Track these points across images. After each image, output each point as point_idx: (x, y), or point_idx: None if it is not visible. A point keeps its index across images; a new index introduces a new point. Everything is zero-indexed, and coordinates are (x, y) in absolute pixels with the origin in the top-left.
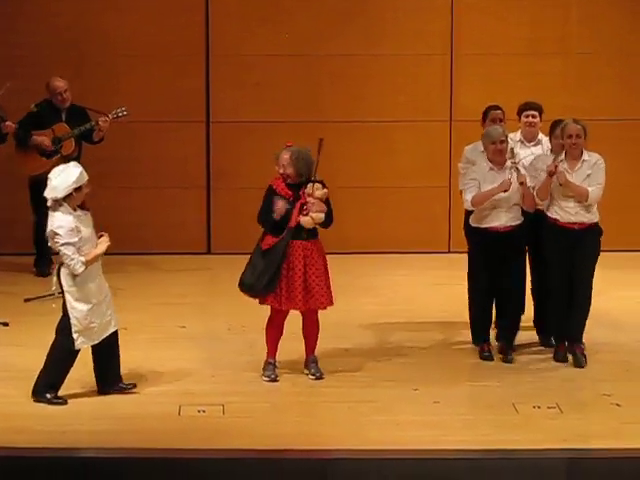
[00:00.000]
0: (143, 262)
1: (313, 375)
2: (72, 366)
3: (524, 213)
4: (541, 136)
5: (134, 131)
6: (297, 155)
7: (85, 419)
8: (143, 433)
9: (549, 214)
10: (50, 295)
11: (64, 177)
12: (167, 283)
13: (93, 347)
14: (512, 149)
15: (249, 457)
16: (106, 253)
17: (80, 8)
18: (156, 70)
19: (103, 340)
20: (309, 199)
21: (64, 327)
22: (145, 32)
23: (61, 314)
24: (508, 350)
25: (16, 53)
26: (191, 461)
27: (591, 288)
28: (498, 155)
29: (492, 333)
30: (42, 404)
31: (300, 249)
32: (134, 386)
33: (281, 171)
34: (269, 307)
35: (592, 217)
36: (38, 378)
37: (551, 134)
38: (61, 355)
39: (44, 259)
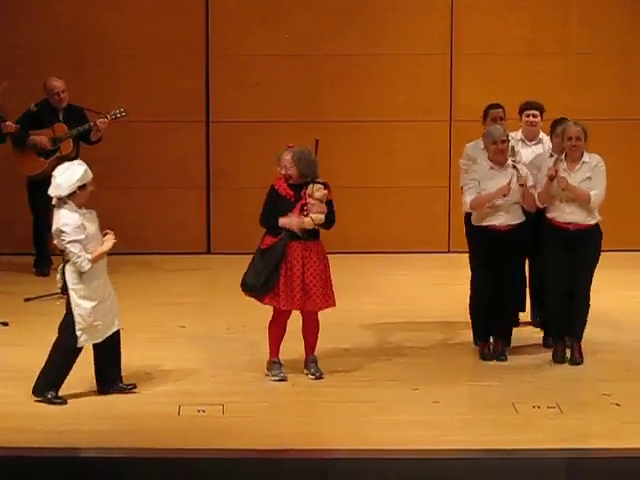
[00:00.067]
0: (143, 262)
1: (313, 375)
2: (73, 365)
3: (525, 212)
4: (542, 135)
5: (134, 131)
6: (299, 156)
7: (85, 419)
8: (143, 433)
9: (547, 213)
10: (50, 295)
11: (68, 175)
12: (167, 283)
13: (95, 346)
14: (513, 147)
15: (249, 457)
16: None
17: (80, 8)
18: (156, 70)
19: (106, 339)
20: (309, 200)
21: (68, 325)
22: (145, 32)
23: (65, 312)
24: (504, 349)
25: (16, 53)
26: (191, 461)
27: (589, 290)
28: (499, 155)
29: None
30: (42, 404)
31: (299, 249)
32: (134, 387)
33: (283, 172)
34: (271, 307)
35: (589, 219)
36: (39, 376)
37: (552, 133)
38: (64, 352)
39: (44, 259)
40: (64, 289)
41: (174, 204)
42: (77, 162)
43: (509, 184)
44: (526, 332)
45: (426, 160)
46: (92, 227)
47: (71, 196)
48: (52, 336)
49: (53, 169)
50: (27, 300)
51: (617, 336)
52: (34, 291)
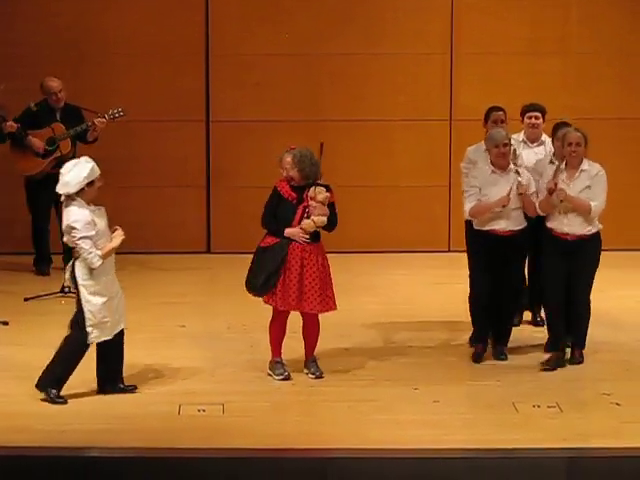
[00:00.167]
0: (143, 261)
1: (313, 374)
2: (79, 363)
3: (527, 217)
4: (544, 137)
5: (134, 130)
6: (300, 157)
7: (85, 418)
8: (143, 432)
9: (546, 222)
10: (50, 294)
11: (76, 172)
12: (167, 282)
13: (98, 345)
14: (515, 150)
15: (249, 456)
16: None
17: (80, 8)
18: (156, 70)
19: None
20: (311, 202)
21: (78, 321)
22: (145, 32)
23: (75, 310)
24: (503, 349)
25: (16, 53)
26: (191, 460)
27: (589, 297)
28: (501, 158)
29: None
30: (43, 403)
31: (298, 251)
32: (135, 388)
33: (285, 174)
34: (271, 307)
35: (589, 228)
36: (44, 371)
37: (553, 136)
38: (73, 349)
39: (43, 258)
40: (74, 286)
41: (174, 204)
42: (84, 159)
43: (509, 194)
44: (526, 332)
45: (426, 159)
46: (102, 223)
47: (80, 193)
48: (52, 335)
49: (51, 169)
50: (27, 299)
51: (617, 336)
52: (34, 290)
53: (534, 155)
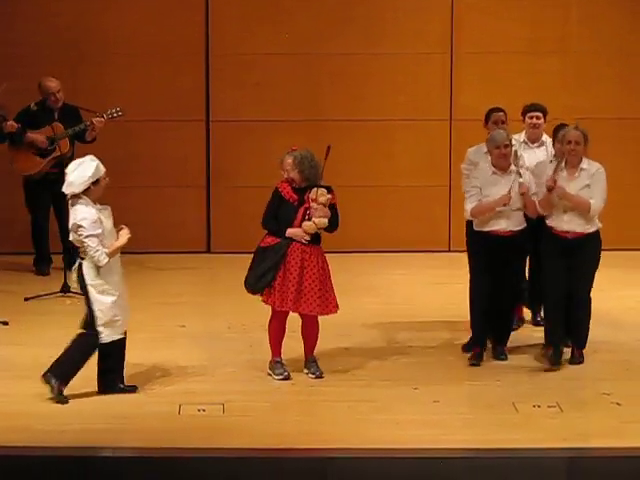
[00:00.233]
0: (143, 261)
1: (313, 374)
2: (86, 362)
3: (527, 218)
4: (545, 137)
5: (134, 130)
6: (300, 159)
7: (85, 418)
8: (143, 432)
9: (547, 221)
10: (50, 294)
11: (80, 172)
12: (167, 282)
13: (101, 345)
14: (516, 152)
15: (249, 456)
16: None
17: (80, 8)
18: (156, 69)
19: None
20: (313, 204)
21: (89, 322)
22: (145, 32)
23: (85, 310)
24: (503, 349)
25: (16, 53)
26: (191, 460)
27: (589, 297)
28: (502, 159)
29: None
30: (43, 403)
31: (298, 252)
32: (135, 389)
33: (285, 175)
34: (271, 307)
35: (588, 227)
36: (53, 363)
37: (554, 138)
38: (83, 348)
39: (44, 258)
40: (81, 287)
41: (174, 203)
42: (89, 158)
43: (509, 192)
44: (526, 332)
45: (426, 159)
46: (108, 223)
47: (86, 192)
48: (52, 335)
49: (50, 168)
50: (27, 299)
51: (617, 335)
52: (34, 290)
53: (535, 156)
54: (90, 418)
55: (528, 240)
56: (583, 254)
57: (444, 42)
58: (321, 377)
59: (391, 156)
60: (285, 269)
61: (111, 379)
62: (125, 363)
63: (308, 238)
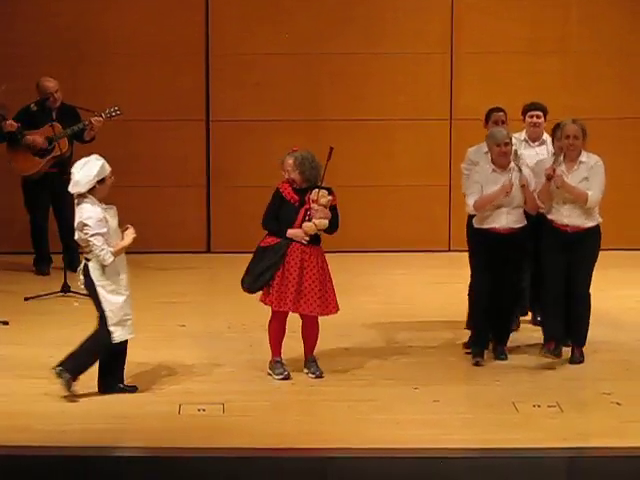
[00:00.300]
0: (143, 261)
1: (313, 374)
2: (97, 360)
3: (527, 215)
4: (546, 136)
5: (134, 130)
6: (301, 160)
7: (85, 418)
8: (143, 432)
9: (547, 215)
10: (50, 294)
11: (85, 171)
12: (167, 282)
13: None
14: (516, 151)
15: (249, 456)
16: None
17: (80, 8)
18: (156, 69)
19: None
20: (313, 205)
21: (101, 322)
22: (145, 32)
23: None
24: (502, 348)
25: (16, 53)
26: (191, 460)
27: (589, 291)
28: (502, 157)
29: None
30: (44, 403)
31: (298, 252)
32: (135, 389)
33: (286, 176)
34: (270, 307)
35: (588, 221)
36: (67, 357)
37: (554, 136)
38: (95, 347)
39: (44, 258)
40: (89, 288)
41: (174, 203)
42: (94, 157)
43: (511, 180)
44: (526, 332)
45: (426, 159)
46: (113, 222)
47: (91, 191)
48: (52, 335)
49: (49, 168)
50: (27, 299)
51: (617, 335)
52: (34, 290)
53: (535, 154)
54: (90, 418)
55: (528, 238)
56: (583, 249)
57: (444, 42)
58: (321, 377)
59: (391, 156)
60: (284, 269)
61: (112, 379)
62: (125, 363)
63: (307, 239)
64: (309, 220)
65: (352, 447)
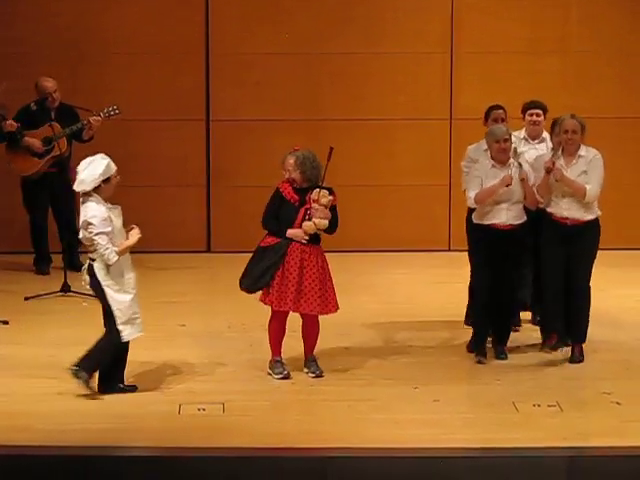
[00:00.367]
0: (143, 260)
1: (313, 373)
2: (112, 359)
3: (526, 211)
4: (545, 134)
5: (134, 130)
6: (302, 160)
7: (85, 418)
8: (143, 432)
9: (547, 208)
10: (50, 294)
11: (90, 170)
12: (167, 282)
13: None
14: (515, 148)
15: (249, 455)
16: None
17: (80, 8)
18: (156, 69)
19: None
20: (314, 205)
21: (110, 322)
22: (145, 32)
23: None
24: (502, 347)
25: (16, 53)
26: (191, 460)
27: (589, 285)
28: (502, 154)
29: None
30: (44, 402)
31: (298, 252)
32: (135, 388)
33: (287, 175)
34: (270, 307)
35: (587, 215)
36: (84, 356)
37: (552, 132)
38: (107, 347)
39: (43, 258)
40: (95, 288)
41: (174, 203)
42: (100, 156)
43: (511, 173)
44: (526, 332)
45: (426, 158)
46: (118, 222)
47: (96, 190)
48: (52, 334)
49: (48, 168)
50: (27, 299)
51: (617, 335)
52: (34, 290)
53: (535, 152)
54: (90, 418)
55: (528, 234)
56: (583, 241)
57: (444, 42)
58: (321, 376)
59: (391, 155)
60: (284, 269)
61: (113, 379)
62: (127, 363)
63: (307, 238)
64: (309, 219)
65: (352, 447)
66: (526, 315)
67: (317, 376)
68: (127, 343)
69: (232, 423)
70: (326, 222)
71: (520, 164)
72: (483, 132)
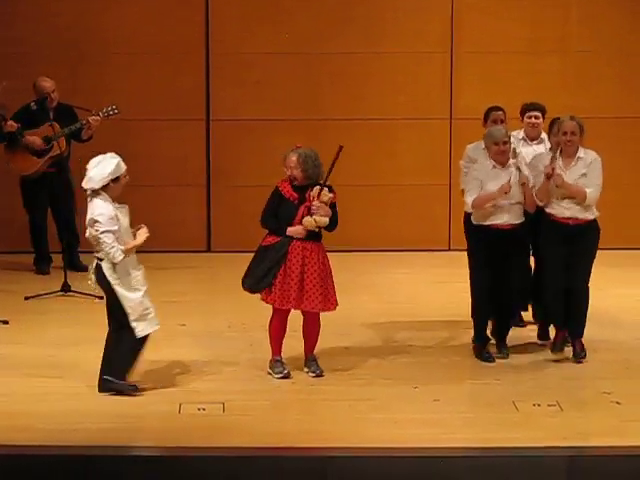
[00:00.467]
0: (143, 260)
1: (313, 373)
2: (139, 355)
3: (525, 212)
4: (544, 135)
5: (134, 130)
6: (304, 158)
7: (86, 417)
8: (143, 431)
9: (546, 209)
10: (50, 293)
11: (100, 168)
12: (167, 281)
13: (108, 343)
14: (514, 149)
15: (249, 455)
16: None
17: (80, 8)
18: (156, 69)
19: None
20: (315, 202)
21: (122, 320)
22: (145, 32)
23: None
24: (502, 345)
25: (16, 52)
26: (191, 459)
27: (588, 285)
28: (501, 156)
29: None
30: (44, 402)
31: (299, 249)
32: (135, 388)
33: (288, 173)
34: (271, 306)
35: (587, 214)
36: (105, 371)
37: (550, 132)
38: (127, 348)
39: (43, 258)
40: (107, 288)
41: (174, 202)
42: (110, 155)
43: (509, 182)
44: (526, 331)
45: (427, 158)
46: (125, 221)
47: (104, 188)
48: (52, 334)
49: (47, 168)
50: (27, 298)
51: (617, 334)
52: (34, 289)
53: (533, 152)
54: (90, 417)
55: (527, 233)
56: (584, 242)
57: (444, 42)
58: (321, 376)
59: (391, 155)
60: (286, 267)
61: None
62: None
63: (305, 233)
64: (310, 217)
65: (352, 446)
66: (527, 316)
67: (317, 376)
68: (145, 340)
69: (232, 423)
70: (327, 219)
71: (520, 168)
72: (482, 132)
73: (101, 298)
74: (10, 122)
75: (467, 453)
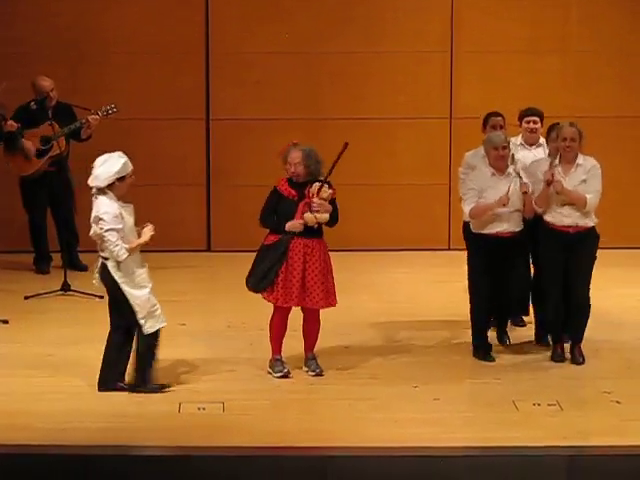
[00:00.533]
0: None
1: (313, 372)
2: (152, 354)
3: (523, 219)
4: (542, 140)
5: (134, 129)
6: (308, 154)
7: (85, 417)
8: (143, 431)
9: (545, 217)
10: (50, 293)
11: (106, 167)
12: (167, 280)
13: (109, 343)
14: (513, 155)
15: (249, 454)
16: None
17: (80, 8)
18: (156, 69)
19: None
20: (315, 199)
21: (131, 321)
22: (145, 32)
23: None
24: (503, 330)
25: (16, 52)
26: (191, 459)
27: (589, 291)
28: (500, 161)
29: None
30: (44, 402)
31: (301, 246)
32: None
33: (292, 170)
34: (271, 305)
35: (587, 221)
36: (132, 378)
37: (548, 137)
38: (144, 348)
39: (43, 257)
40: (113, 287)
41: (174, 202)
42: (117, 154)
43: (507, 194)
44: (526, 331)
45: (426, 158)
46: (130, 220)
47: (110, 187)
48: (52, 333)
49: (47, 167)
50: (27, 298)
51: (617, 334)
52: (34, 289)
53: (532, 157)
54: (90, 416)
55: (527, 239)
56: (584, 248)
57: (444, 41)
58: (321, 375)
59: (391, 155)
60: (288, 265)
61: (112, 378)
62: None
63: (302, 228)
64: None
65: (352, 446)
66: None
67: (317, 375)
68: (157, 336)
69: (232, 422)
70: (327, 216)
71: (520, 175)
72: (482, 135)
73: (102, 297)
74: (10, 122)
75: (467, 452)
